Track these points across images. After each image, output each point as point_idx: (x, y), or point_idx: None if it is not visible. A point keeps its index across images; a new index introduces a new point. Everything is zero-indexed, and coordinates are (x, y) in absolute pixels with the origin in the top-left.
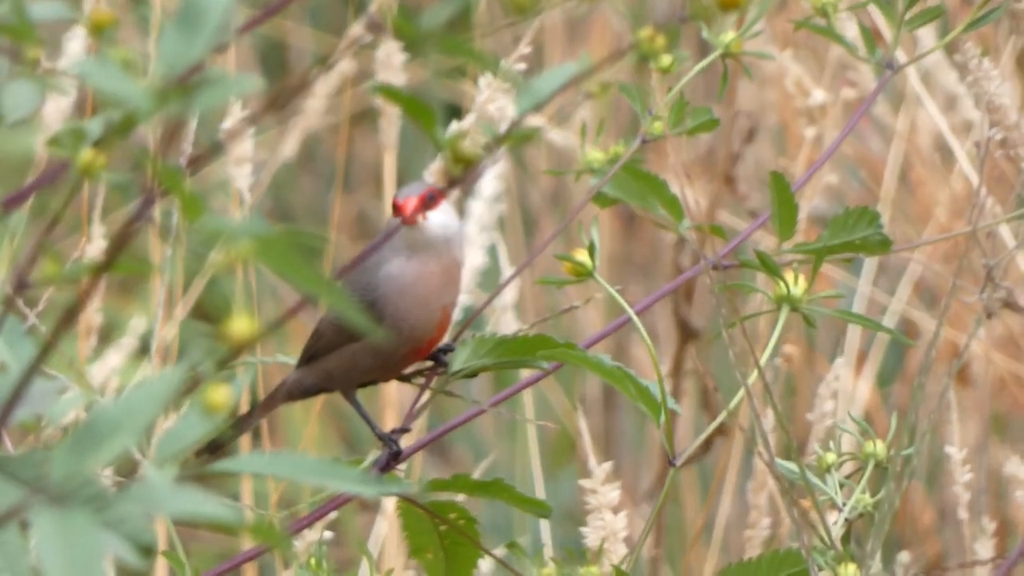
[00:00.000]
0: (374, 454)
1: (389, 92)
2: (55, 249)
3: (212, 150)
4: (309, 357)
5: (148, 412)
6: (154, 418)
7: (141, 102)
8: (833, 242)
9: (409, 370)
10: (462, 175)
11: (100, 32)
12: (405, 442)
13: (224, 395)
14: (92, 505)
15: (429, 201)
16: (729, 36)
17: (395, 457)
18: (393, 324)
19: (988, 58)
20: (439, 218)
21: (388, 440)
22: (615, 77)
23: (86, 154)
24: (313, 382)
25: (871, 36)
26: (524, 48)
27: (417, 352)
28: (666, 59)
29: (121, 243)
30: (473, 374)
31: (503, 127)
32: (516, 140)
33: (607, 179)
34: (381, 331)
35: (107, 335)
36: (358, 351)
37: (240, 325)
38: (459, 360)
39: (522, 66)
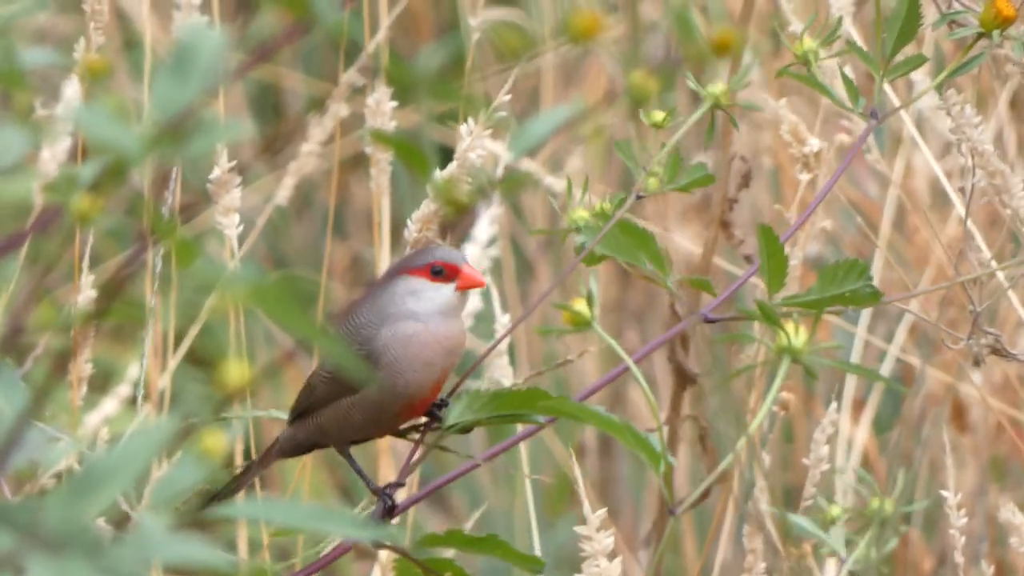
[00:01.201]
0: (369, 503)
1: (382, 137)
2: (50, 295)
3: (199, 200)
4: (301, 412)
5: (143, 459)
6: (149, 465)
7: (132, 148)
8: (823, 295)
9: (404, 426)
10: (455, 219)
11: (94, 78)
12: (399, 496)
13: (219, 441)
14: (87, 552)
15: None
16: (719, 87)
17: (390, 512)
18: (390, 382)
19: (971, 104)
20: None
21: (383, 495)
22: (609, 122)
23: (81, 200)
24: (306, 437)
25: (854, 86)
26: (505, 95)
27: (411, 410)
28: (658, 115)
29: (114, 289)
30: (468, 429)
31: (496, 171)
32: (510, 185)
33: (596, 240)
34: (375, 384)
35: (99, 384)
36: (352, 406)
37: (233, 372)
38: (453, 415)
39: (504, 113)
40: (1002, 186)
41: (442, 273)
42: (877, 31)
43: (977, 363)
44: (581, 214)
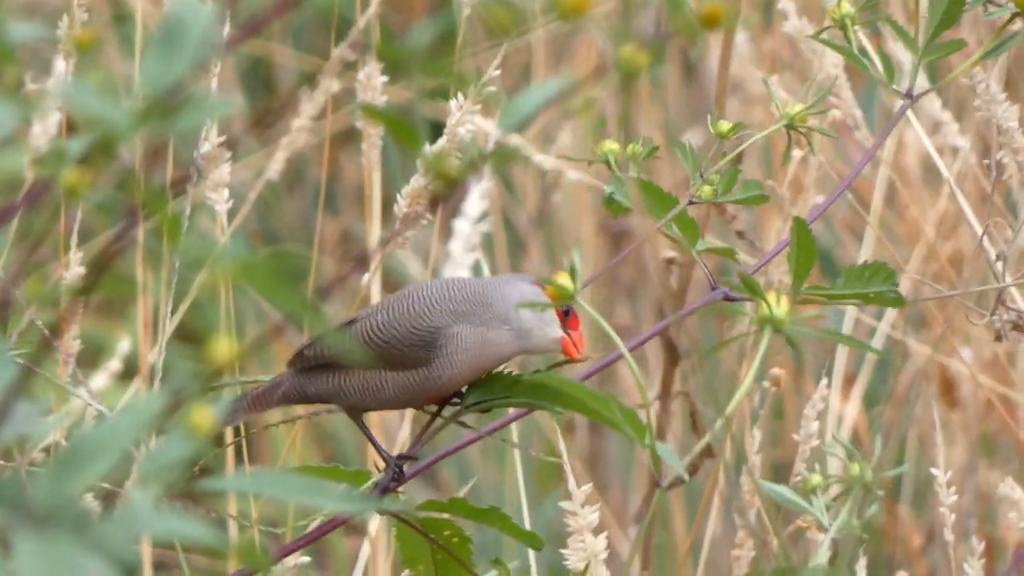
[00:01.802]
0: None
1: (372, 112)
2: (39, 270)
3: (188, 176)
4: (320, 364)
5: (130, 435)
6: (137, 441)
7: (120, 123)
8: (847, 291)
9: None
10: (446, 193)
11: (82, 53)
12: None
13: (206, 416)
14: (74, 527)
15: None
16: (796, 108)
17: (397, 479)
18: (439, 371)
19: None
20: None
21: (393, 464)
22: (598, 96)
23: (70, 174)
24: (318, 392)
25: (890, 63)
26: (494, 71)
27: (436, 400)
28: (725, 125)
29: (102, 265)
30: (487, 410)
31: (487, 146)
32: (499, 159)
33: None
34: (423, 367)
35: (89, 360)
36: (387, 380)
37: (221, 348)
38: (474, 395)
39: (494, 88)
40: None
41: (568, 317)
42: (915, 11)
43: (999, 339)
44: (611, 146)
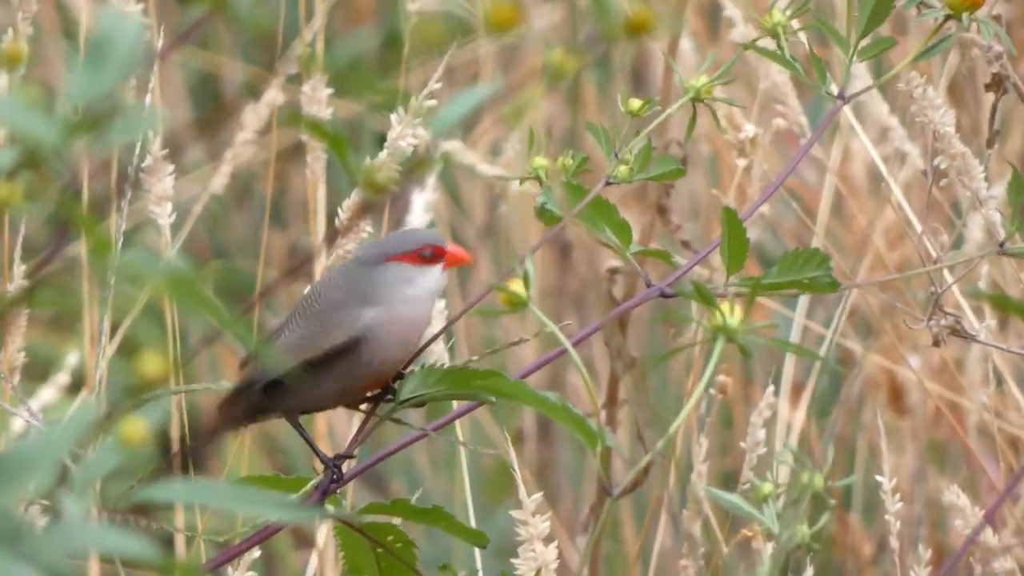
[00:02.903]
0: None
1: (298, 120)
2: None
3: (122, 189)
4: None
5: (63, 447)
6: (72, 453)
7: (49, 137)
8: (781, 279)
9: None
10: (376, 202)
11: (10, 66)
12: (345, 468)
13: (138, 428)
14: (8, 539)
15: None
16: (701, 81)
17: (336, 481)
18: (368, 358)
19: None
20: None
21: (331, 464)
22: (533, 102)
23: (1, 187)
24: (254, 404)
25: (822, 64)
26: (435, 83)
27: (377, 384)
28: (636, 103)
29: (36, 279)
30: (421, 404)
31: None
32: (426, 165)
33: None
34: (352, 360)
35: (36, 373)
36: (320, 379)
37: (151, 362)
38: (407, 389)
39: (435, 101)
40: (962, 167)
41: (430, 256)
42: (848, 11)
43: (937, 343)
44: (541, 162)
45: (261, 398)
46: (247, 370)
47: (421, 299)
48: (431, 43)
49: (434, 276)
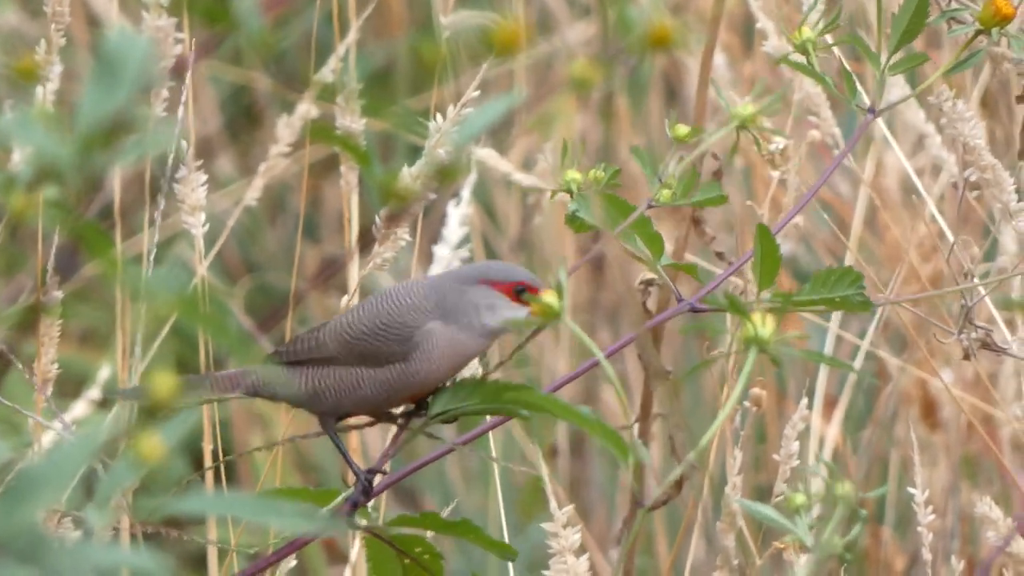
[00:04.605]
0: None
1: (323, 133)
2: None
3: (157, 201)
4: (296, 361)
5: (83, 462)
6: (86, 468)
7: (61, 155)
8: (812, 296)
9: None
10: (400, 212)
11: (25, 80)
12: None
13: (155, 444)
14: (28, 555)
15: None
16: (748, 109)
17: (366, 493)
18: (415, 368)
19: (963, 100)
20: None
21: (361, 477)
22: (564, 113)
23: (18, 199)
24: (290, 393)
25: (852, 79)
26: (473, 92)
27: (414, 398)
28: (683, 129)
29: (67, 291)
30: (453, 418)
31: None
32: (450, 174)
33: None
34: (400, 366)
35: (68, 389)
36: (365, 377)
37: (162, 381)
38: (439, 404)
39: (471, 110)
40: (992, 180)
41: (522, 294)
42: (878, 26)
43: (967, 357)
44: (574, 175)
45: (297, 387)
46: (287, 348)
47: (492, 332)
48: (432, 64)
49: (519, 315)
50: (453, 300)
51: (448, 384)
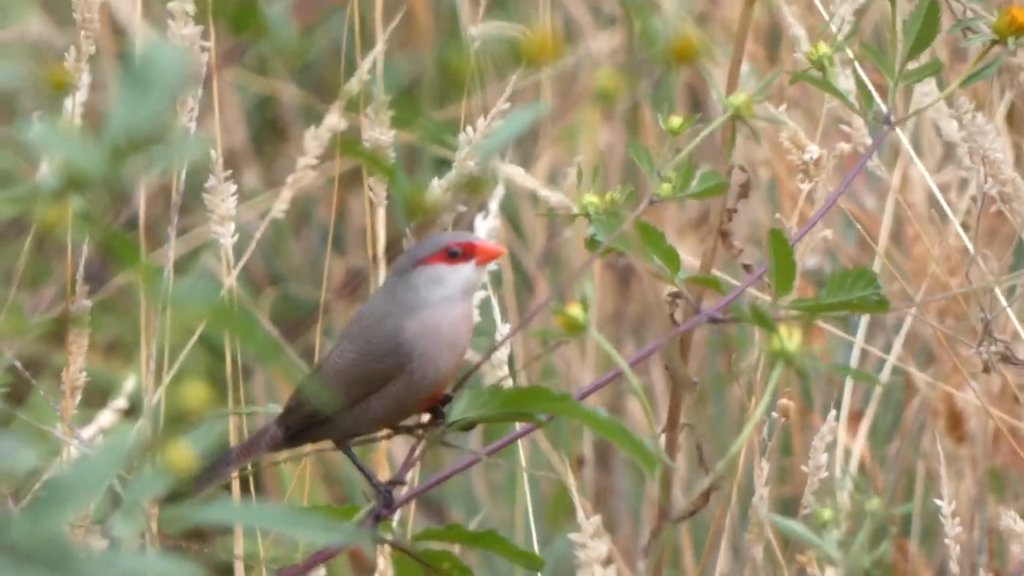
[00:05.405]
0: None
1: (348, 146)
2: (17, 303)
3: (175, 212)
4: (307, 420)
5: (109, 472)
6: (114, 477)
7: (91, 165)
8: (830, 300)
9: (406, 423)
10: (427, 224)
11: (56, 90)
12: (398, 494)
13: (184, 453)
14: (55, 565)
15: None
16: (741, 98)
17: (387, 506)
18: (422, 372)
19: (982, 113)
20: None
21: (381, 490)
22: (589, 126)
23: (48, 210)
24: (307, 434)
25: (868, 91)
26: (503, 104)
27: (431, 398)
28: (676, 121)
29: (95, 301)
30: (470, 425)
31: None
32: (478, 186)
33: (613, 236)
34: (406, 376)
35: (95, 400)
36: (372, 398)
37: (192, 391)
38: (456, 411)
39: (501, 123)
40: (1012, 194)
41: (459, 254)
42: (891, 37)
43: (987, 370)
44: (591, 199)
45: (309, 421)
46: (296, 393)
47: (454, 298)
48: (458, 75)
49: (464, 274)
50: (403, 292)
51: (458, 377)
